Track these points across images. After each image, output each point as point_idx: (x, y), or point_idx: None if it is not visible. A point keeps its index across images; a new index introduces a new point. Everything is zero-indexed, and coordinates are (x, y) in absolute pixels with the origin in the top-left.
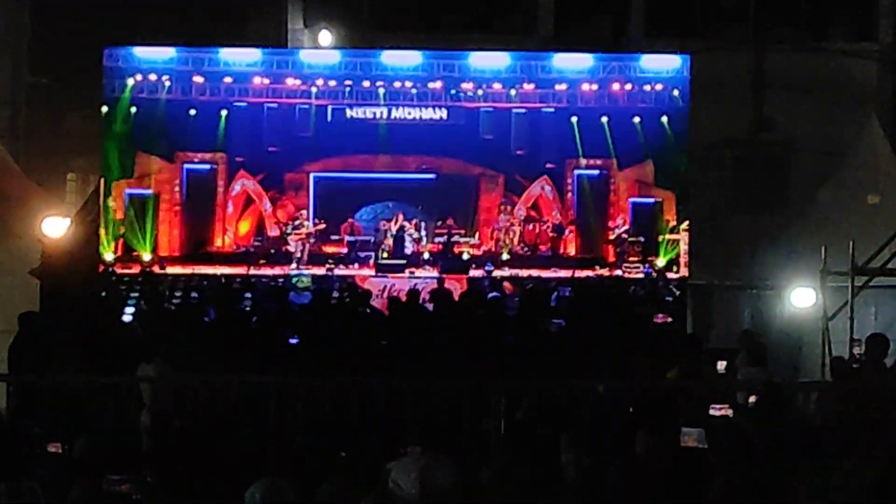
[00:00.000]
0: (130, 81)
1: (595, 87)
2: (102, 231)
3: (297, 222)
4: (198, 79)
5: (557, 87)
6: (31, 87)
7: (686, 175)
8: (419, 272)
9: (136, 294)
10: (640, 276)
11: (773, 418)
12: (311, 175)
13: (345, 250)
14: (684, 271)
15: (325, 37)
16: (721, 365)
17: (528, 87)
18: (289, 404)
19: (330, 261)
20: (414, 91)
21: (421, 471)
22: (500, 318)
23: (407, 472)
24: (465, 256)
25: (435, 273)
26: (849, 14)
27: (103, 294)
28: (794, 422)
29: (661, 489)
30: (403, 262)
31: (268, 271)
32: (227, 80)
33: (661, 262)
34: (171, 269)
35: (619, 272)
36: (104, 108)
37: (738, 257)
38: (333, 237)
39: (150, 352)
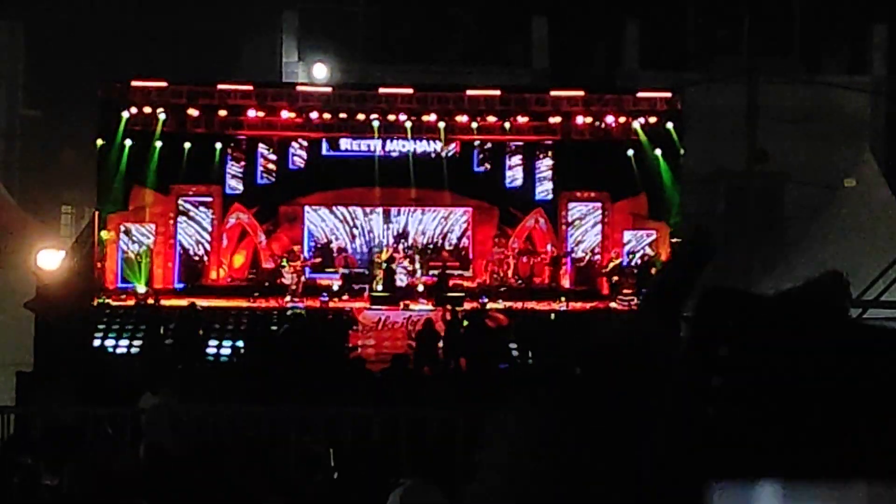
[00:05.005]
0: (125, 114)
1: (589, 119)
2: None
3: (291, 255)
4: (192, 112)
5: (551, 119)
6: (26, 120)
7: (680, 207)
8: (413, 305)
9: (131, 326)
10: (634, 308)
11: None
12: (306, 208)
13: (339, 283)
14: None
15: (320, 70)
16: None
17: (522, 119)
18: (282, 434)
19: (324, 293)
20: (408, 124)
21: (402, 495)
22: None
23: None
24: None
25: (430, 306)
26: (842, 47)
27: (99, 326)
28: None
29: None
30: (397, 294)
31: (262, 304)
32: (222, 112)
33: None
34: (165, 302)
35: (613, 304)
36: (99, 141)
37: None
38: (328, 270)
39: (153, 383)
